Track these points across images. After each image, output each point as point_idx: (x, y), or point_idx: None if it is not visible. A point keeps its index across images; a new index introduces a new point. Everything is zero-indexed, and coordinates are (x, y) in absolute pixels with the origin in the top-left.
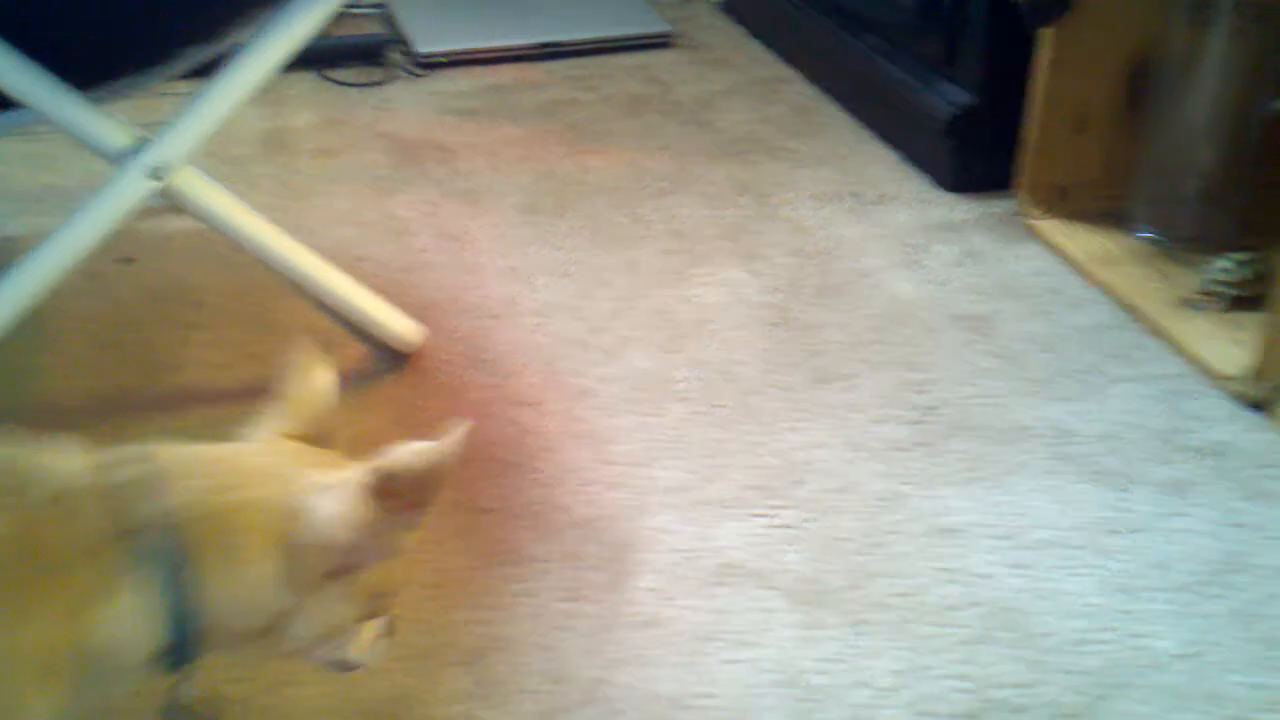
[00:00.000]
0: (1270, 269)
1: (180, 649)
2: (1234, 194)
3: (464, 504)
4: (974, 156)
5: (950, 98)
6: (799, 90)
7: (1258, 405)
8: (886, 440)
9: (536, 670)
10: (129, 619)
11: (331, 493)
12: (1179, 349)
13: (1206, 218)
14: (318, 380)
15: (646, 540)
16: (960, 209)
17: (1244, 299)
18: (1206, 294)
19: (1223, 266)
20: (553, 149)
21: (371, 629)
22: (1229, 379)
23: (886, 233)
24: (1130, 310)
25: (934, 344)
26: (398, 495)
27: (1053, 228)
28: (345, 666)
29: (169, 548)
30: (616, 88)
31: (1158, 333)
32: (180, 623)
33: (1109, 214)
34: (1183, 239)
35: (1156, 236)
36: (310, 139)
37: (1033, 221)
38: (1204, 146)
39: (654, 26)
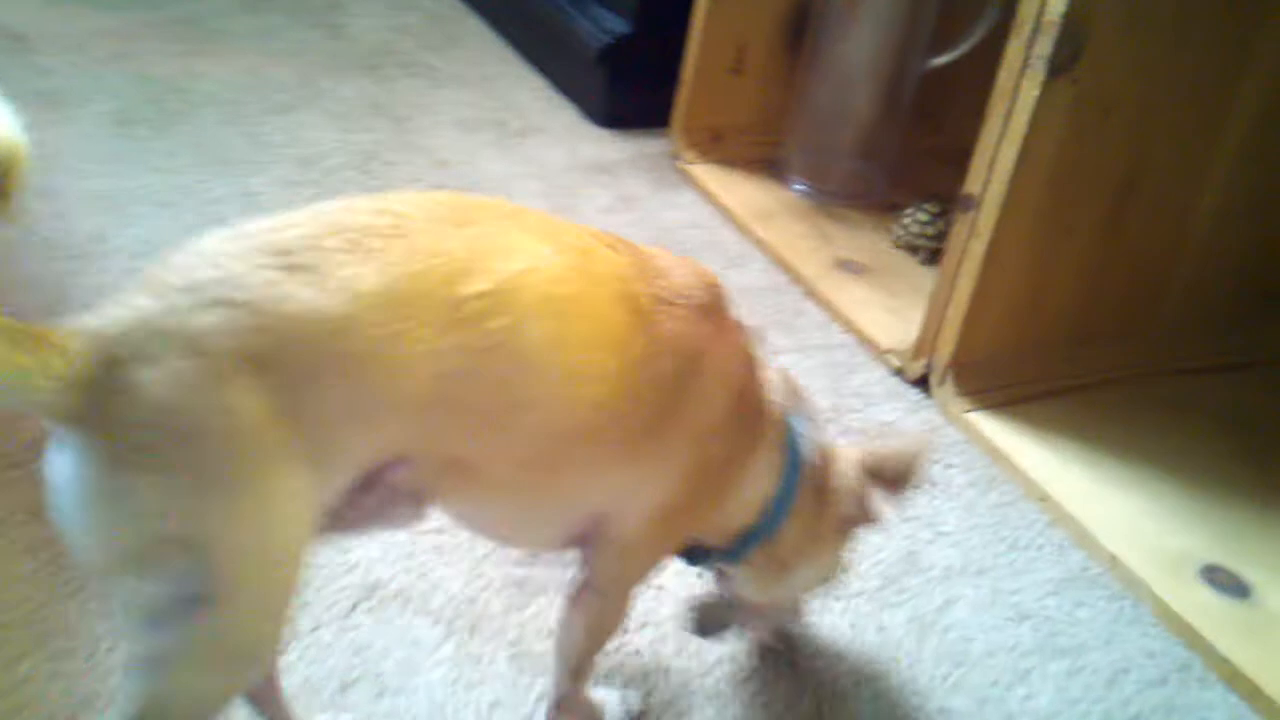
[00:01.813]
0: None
1: (751, 538)
2: (886, 148)
3: (37, 509)
4: (628, 90)
5: (604, 24)
6: None
7: (918, 382)
8: None
9: None
10: (760, 478)
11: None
12: (836, 316)
13: (859, 171)
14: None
15: None
16: (612, 147)
17: (937, 252)
18: (903, 246)
19: (916, 219)
20: (154, 47)
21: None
22: (889, 353)
23: (534, 171)
24: (788, 271)
25: None
26: (883, 476)
27: (708, 174)
28: (780, 629)
29: (811, 457)
30: None
31: (815, 297)
32: (772, 515)
33: (764, 161)
34: (836, 193)
35: (811, 190)
36: None
37: (687, 166)
38: (860, 97)
39: None
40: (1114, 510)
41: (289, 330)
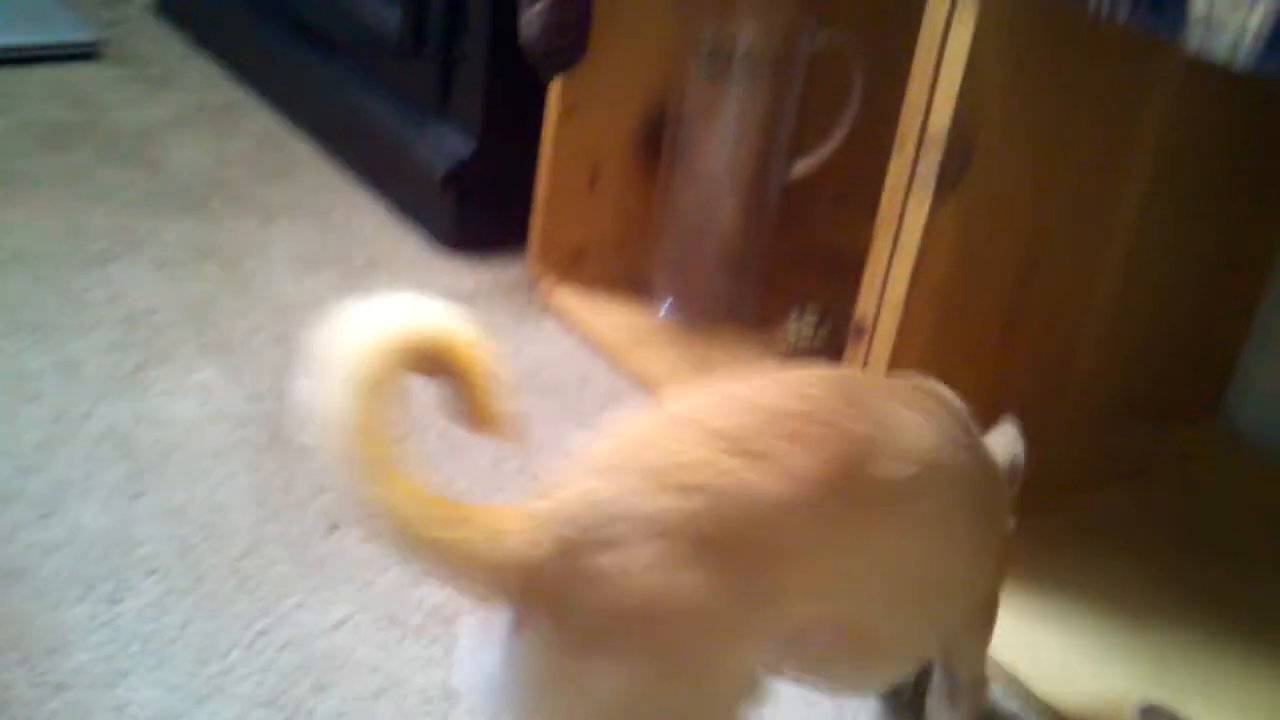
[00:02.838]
0: (839, 324)
1: None
2: (753, 258)
3: None
4: (477, 214)
5: (446, 145)
6: (263, 121)
7: None
8: (430, 608)
9: None
10: None
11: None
12: None
13: (727, 285)
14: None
15: None
16: (467, 276)
17: (824, 354)
18: (800, 354)
19: (801, 331)
20: None
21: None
22: None
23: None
24: None
25: (464, 460)
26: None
27: (572, 299)
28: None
29: None
30: (31, 112)
31: None
32: None
33: (628, 279)
34: (705, 311)
35: (679, 308)
36: None
37: (548, 293)
38: (723, 206)
39: (76, 33)
40: (1040, 650)
41: (742, 516)
